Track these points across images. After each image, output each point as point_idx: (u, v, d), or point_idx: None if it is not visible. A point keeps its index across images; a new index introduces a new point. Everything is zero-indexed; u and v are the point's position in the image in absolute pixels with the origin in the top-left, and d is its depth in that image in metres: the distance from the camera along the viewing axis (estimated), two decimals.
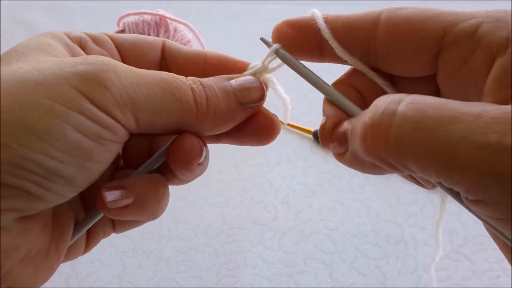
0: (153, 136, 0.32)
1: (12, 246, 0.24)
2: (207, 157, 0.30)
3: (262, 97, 0.30)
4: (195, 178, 0.30)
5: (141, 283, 0.50)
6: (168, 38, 0.69)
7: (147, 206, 0.28)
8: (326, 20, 0.29)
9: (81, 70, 0.24)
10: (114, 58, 0.30)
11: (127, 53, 0.32)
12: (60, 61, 0.25)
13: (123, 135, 0.26)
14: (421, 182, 0.30)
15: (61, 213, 0.28)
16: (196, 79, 0.29)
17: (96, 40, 0.31)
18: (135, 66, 0.27)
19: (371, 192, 0.60)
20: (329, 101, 0.29)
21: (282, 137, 0.68)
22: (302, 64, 0.30)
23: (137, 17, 0.70)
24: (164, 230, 0.56)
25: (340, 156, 0.28)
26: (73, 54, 0.29)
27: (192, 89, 0.28)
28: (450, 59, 0.27)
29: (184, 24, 0.71)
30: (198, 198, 0.59)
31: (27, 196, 0.24)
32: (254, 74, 0.31)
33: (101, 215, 0.29)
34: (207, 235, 0.55)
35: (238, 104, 0.29)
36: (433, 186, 0.29)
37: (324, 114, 0.29)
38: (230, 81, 0.29)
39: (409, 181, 0.31)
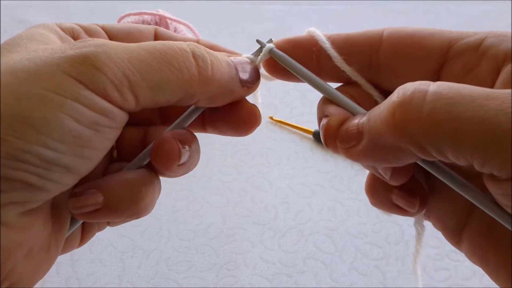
0: (147, 127, 0.32)
1: (15, 243, 0.24)
2: (192, 156, 0.29)
3: (258, 77, 0.30)
4: (182, 175, 0.30)
5: (141, 283, 0.50)
6: None
7: (120, 209, 0.28)
8: (326, 36, 0.30)
9: (71, 55, 0.24)
10: None
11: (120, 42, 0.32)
12: (50, 48, 0.25)
13: (121, 119, 0.26)
14: (405, 208, 0.29)
15: (59, 206, 0.28)
16: (200, 46, 0.28)
17: (88, 31, 0.31)
18: None
19: None
20: (329, 100, 0.29)
21: (282, 137, 0.68)
22: (298, 64, 0.30)
23: (137, 17, 0.70)
24: (164, 230, 0.56)
25: (350, 149, 0.26)
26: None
27: (193, 54, 0.27)
28: (454, 70, 0.27)
29: (184, 24, 0.71)
30: (198, 198, 0.59)
31: (28, 188, 0.24)
32: None
33: None
34: (207, 235, 0.55)
35: (239, 78, 0.29)
36: (418, 211, 0.29)
37: (325, 114, 0.28)
38: (230, 57, 0.29)
39: (393, 213, 0.30)
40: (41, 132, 0.23)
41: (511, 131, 0.20)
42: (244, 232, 0.56)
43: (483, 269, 0.28)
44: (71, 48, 0.25)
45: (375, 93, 0.29)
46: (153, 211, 0.61)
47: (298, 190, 0.61)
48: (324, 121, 0.28)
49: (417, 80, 0.25)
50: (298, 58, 0.30)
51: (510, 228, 0.24)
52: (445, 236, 0.30)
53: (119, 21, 0.71)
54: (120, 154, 0.32)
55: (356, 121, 0.26)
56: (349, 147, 0.26)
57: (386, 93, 0.29)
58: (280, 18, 0.92)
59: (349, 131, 0.26)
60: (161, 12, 0.70)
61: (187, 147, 0.29)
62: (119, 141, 0.31)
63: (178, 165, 0.28)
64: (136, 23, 0.69)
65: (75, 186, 0.27)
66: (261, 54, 0.30)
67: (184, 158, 0.28)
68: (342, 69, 0.29)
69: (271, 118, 0.70)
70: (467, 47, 0.27)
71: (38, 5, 0.95)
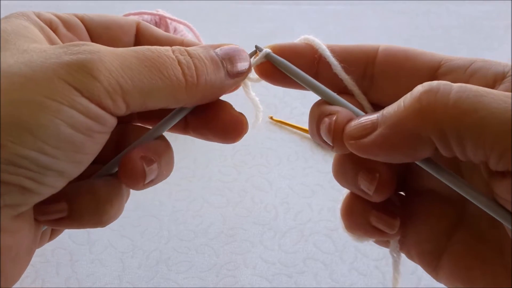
0: (124, 124, 0.32)
1: (6, 247, 0.24)
2: (161, 172, 0.29)
3: (248, 67, 0.30)
4: (152, 186, 0.30)
5: (141, 284, 0.50)
6: None
7: (84, 219, 0.28)
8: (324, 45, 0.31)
9: (67, 61, 0.24)
10: None
11: (99, 39, 0.31)
12: (43, 51, 0.25)
13: (111, 124, 0.26)
14: (385, 229, 0.29)
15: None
16: (182, 48, 0.28)
17: (66, 24, 0.31)
18: None
19: None
20: (327, 102, 0.29)
21: (282, 137, 0.68)
22: (297, 68, 0.30)
23: (136, 17, 0.70)
24: (164, 231, 0.56)
25: (362, 141, 0.26)
26: (48, 38, 0.29)
27: (179, 62, 0.27)
28: None
29: (184, 24, 0.71)
30: (198, 198, 0.59)
31: (22, 191, 0.24)
32: None
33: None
34: (207, 236, 0.55)
35: (226, 73, 0.29)
36: (396, 234, 0.29)
37: (328, 113, 0.28)
38: (215, 50, 0.29)
39: (370, 236, 0.30)
40: (38, 138, 0.23)
41: None
42: (244, 232, 0.56)
43: None
44: (66, 53, 0.25)
45: (367, 104, 0.30)
46: (153, 211, 0.61)
47: (298, 190, 0.61)
48: (329, 118, 0.28)
49: (407, 93, 0.26)
50: (297, 66, 0.30)
51: None
52: (421, 262, 0.30)
53: None
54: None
55: (367, 116, 0.27)
56: (361, 139, 0.26)
57: (374, 106, 0.30)
58: (280, 18, 0.92)
59: (362, 123, 0.26)
60: (161, 12, 0.70)
61: (155, 164, 0.28)
62: None
63: (144, 184, 0.28)
64: None
65: None
66: (258, 57, 0.30)
67: (150, 177, 0.28)
68: (340, 77, 0.30)
69: (271, 118, 0.70)
70: (456, 67, 0.28)
71: (38, 5, 0.95)
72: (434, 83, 0.24)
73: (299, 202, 0.59)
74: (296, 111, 0.72)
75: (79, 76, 0.24)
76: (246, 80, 0.31)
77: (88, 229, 0.55)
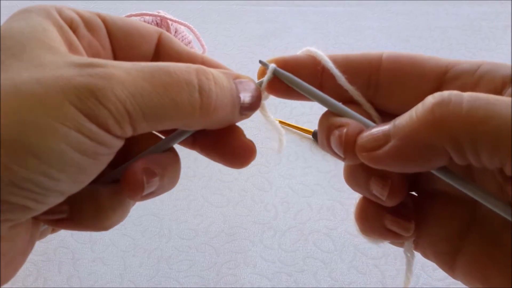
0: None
1: (1, 253, 0.25)
2: (162, 185, 0.29)
3: (259, 105, 0.30)
4: (152, 198, 0.30)
5: (142, 282, 0.51)
6: None
7: (84, 223, 0.28)
8: (327, 56, 0.30)
9: (78, 84, 0.24)
10: (104, 49, 0.30)
11: (119, 44, 0.31)
12: (58, 68, 0.25)
13: (118, 146, 0.26)
14: (400, 232, 0.29)
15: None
16: (209, 72, 0.27)
17: (88, 25, 0.30)
18: (126, 58, 0.26)
19: None
20: (335, 114, 0.29)
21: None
22: (304, 83, 0.29)
23: (138, 18, 0.71)
24: (165, 230, 0.56)
25: (375, 152, 0.26)
26: (67, 41, 0.28)
27: (200, 87, 0.26)
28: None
29: (185, 25, 0.71)
30: (198, 197, 0.60)
31: (23, 209, 0.24)
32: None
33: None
34: (208, 234, 0.56)
35: (239, 108, 0.28)
36: (411, 236, 0.29)
37: (339, 124, 0.28)
38: (235, 81, 0.29)
39: (385, 239, 0.30)
40: (43, 161, 0.23)
41: None
42: (244, 231, 0.56)
43: None
44: (80, 75, 0.25)
45: (374, 113, 0.30)
46: (154, 211, 0.61)
47: (298, 190, 0.61)
48: (339, 131, 0.28)
49: (414, 100, 0.25)
50: (301, 78, 0.29)
51: None
52: (437, 262, 0.30)
53: None
54: None
55: (378, 127, 0.26)
56: (374, 151, 0.26)
57: (380, 114, 0.30)
58: (280, 20, 0.92)
59: (373, 134, 0.26)
60: (162, 13, 0.70)
61: (156, 178, 0.28)
62: None
63: (142, 196, 0.28)
64: None
65: None
66: (266, 76, 0.30)
67: (148, 190, 0.28)
68: (345, 88, 0.29)
69: None
70: (463, 71, 0.27)
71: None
72: (445, 93, 0.24)
73: (299, 201, 0.60)
74: (296, 111, 0.72)
75: (88, 102, 0.24)
76: (263, 101, 0.30)
77: None
